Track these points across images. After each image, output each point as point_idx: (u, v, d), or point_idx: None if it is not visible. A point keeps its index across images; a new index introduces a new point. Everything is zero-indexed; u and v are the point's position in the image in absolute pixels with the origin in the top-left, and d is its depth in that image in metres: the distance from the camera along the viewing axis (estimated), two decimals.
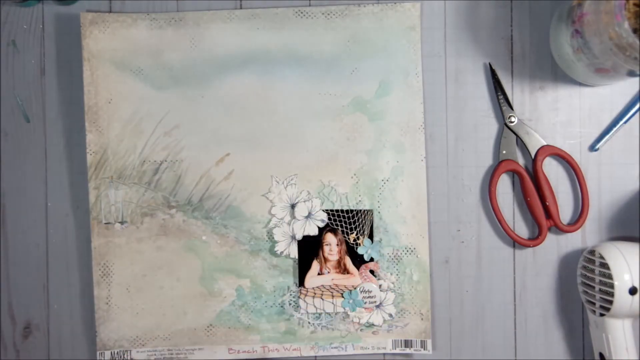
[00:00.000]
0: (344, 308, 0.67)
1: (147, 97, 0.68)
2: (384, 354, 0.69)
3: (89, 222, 0.68)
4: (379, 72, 0.67)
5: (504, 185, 0.69)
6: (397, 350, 0.68)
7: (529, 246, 0.68)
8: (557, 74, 0.68)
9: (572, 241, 0.68)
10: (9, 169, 0.69)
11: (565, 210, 0.68)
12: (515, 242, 0.68)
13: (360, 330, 0.68)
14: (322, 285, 0.67)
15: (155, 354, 0.68)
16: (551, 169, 0.68)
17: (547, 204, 0.67)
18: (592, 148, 0.68)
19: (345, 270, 0.67)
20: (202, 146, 0.68)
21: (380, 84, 0.67)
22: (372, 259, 0.67)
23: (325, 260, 0.67)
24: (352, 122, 0.68)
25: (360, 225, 0.67)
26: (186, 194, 0.68)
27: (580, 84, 0.68)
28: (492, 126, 0.69)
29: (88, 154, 0.68)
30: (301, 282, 0.67)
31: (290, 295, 0.68)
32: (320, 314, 0.68)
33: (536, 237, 0.68)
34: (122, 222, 0.67)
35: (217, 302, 0.68)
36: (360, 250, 0.67)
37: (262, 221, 0.68)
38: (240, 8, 0.68)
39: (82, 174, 0.68)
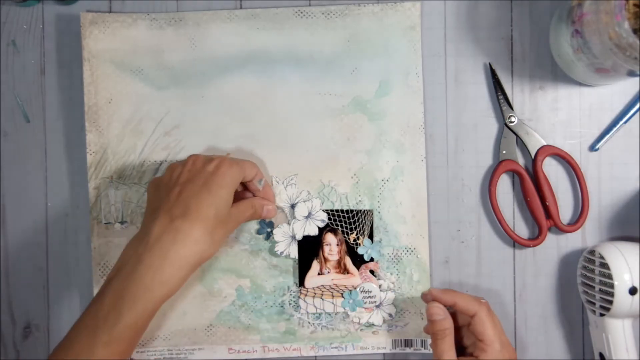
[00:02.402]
0: (344, 308, 0.67)
1: (147, 97, 0.68)
2: (384, 354, 0.69)
3: (89, 222, 0.68)
4: (379, 72, 0.67)
5: (504, 185, 0.69)
6: (397, 350, 0.68)
7: (529, 246, 0.68)
8: (557, 74, 0.68)
9: (572, 241, 0.68)
10: (9, 169, 0.69)
11: (565, 210, 0.68)
12: (515, 242, 0.68)
13: (360, 330, 0.68)
14: (322, 285, 0.67)
15: (155, 354, 0.68)
16: (551, 169, 0.68)
17: (547, 204, 0.67)
18: (592, 148, 0.68)
19: (345, 270, 0.67)
20: (202, 146, 0.68)
21: (380, 84, 0.67)
22: (372, 259, 0.67)
23: (325, 260, 0.67)
24: (352, 122, 0.68)
25: (360, 225, 0.67)
26: None
27: (580, 84, 0.68)
28: (492, 126, 0.69)
29: (88, 154, 0.68)
30: (301, 282, 0.67)
31: (290, 295, 0.68)
32: (320, 314, 0.68)
33: (536, 237, 0.68)
34: (122, 222, 0.67)
35: (217, 302, 0.68)
36: (360, 250, 0.67)
37: None
38: (240, 8, 0.68)
39: (82, 174, 0.68)
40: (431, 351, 0.67)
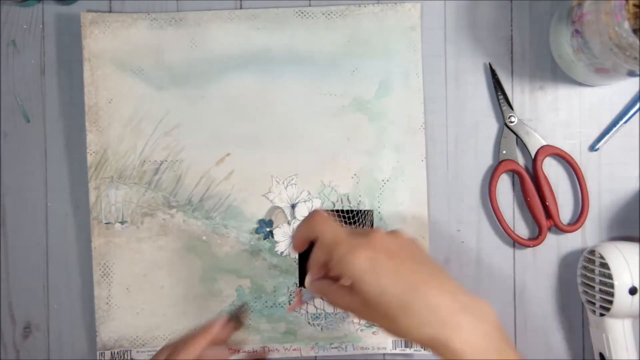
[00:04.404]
0: None
1: (147, 97, 0.68)
2: (384, 354, 0.69)
3: (89, 222, 0.68)
4: (379, 72, 0.67)
5: (504, 185, 0.69)
6: (397, 351, 0.68)
7: (529, 246, 0.68)
8: (557, 74, 0.68)
9: (572, 241, 0.68)
10: (9, 169, 0.69)
11: (565, 210, 0.68)
12: (515, 242, 0.68)
13: (361, 330, 0.68)
14: None
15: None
16: (551, 169, 0.68)
17: (547, 204, 0.67)
18: (592, 148, 0.68)
19: None
20: (203, 146, 0.68)
21: (380, 84, 0.67)
22: None
23: None
24: (352, 122, 0.68)
25: (361, 226, 0.67)
26: (186, 194, 0.68)
27: (580, 84, 0.68)
28: (492, 126, 0.69)
29: (88, 154, 0.68)
30: (301, 282, 0.67)
31: (291, 295, 0.68)
32: (320, 314, 0.68)
33: (536, 237, 0.68)
34: (122, 222, 0.67)
35: (217, 302, 0.68)
36: None
37: None
38: (241, 8, 0.68)
39: (82, 174, 0.68)
40: (432, 352, 0.67)
